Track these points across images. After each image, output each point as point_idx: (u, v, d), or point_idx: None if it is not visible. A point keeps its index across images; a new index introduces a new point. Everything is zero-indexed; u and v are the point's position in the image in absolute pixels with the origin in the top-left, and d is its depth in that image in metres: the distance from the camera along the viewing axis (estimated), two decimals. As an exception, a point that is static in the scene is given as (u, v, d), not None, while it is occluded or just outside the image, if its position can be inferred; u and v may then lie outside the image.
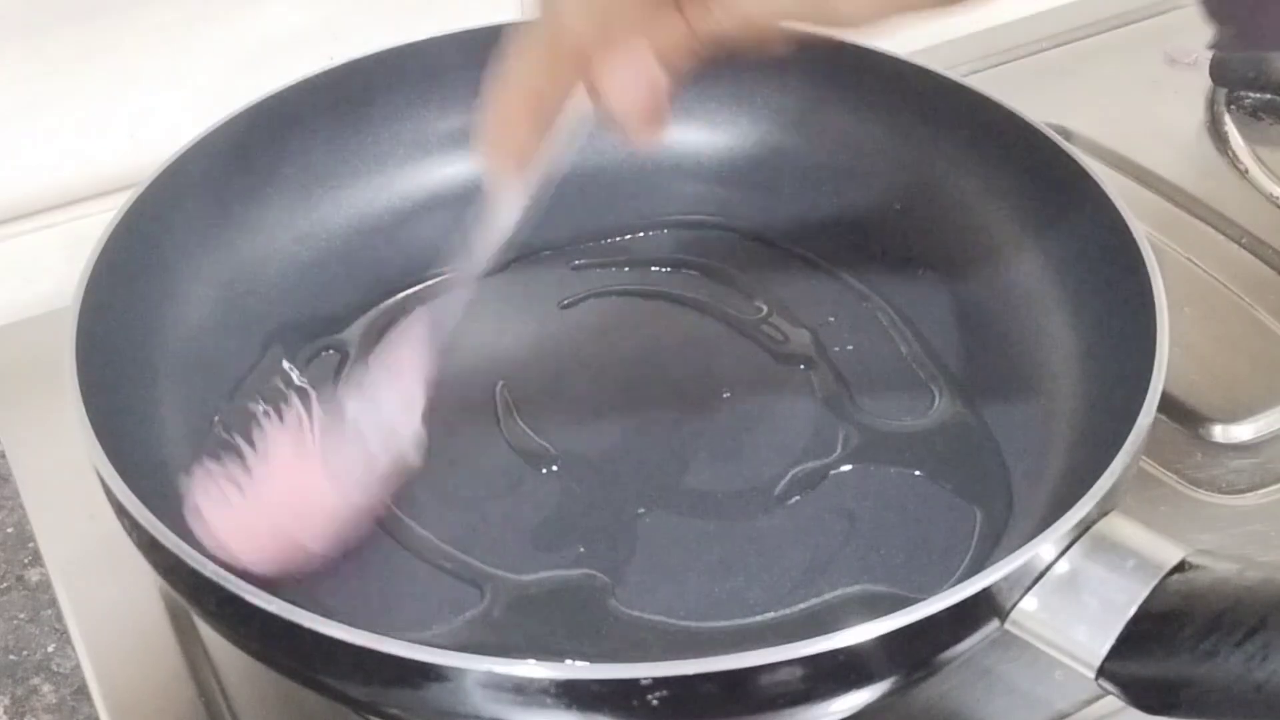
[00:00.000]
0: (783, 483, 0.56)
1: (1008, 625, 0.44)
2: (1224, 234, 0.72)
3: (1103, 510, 0.45)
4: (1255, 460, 0.61)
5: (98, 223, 0.57)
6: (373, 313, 0.64)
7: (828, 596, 0.52)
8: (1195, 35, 0.84)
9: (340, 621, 0.42)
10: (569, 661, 0.49)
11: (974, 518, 0.54)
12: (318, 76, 0.65)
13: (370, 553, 0.53)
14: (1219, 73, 0.81)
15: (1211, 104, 0.81)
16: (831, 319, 0.64)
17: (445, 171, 0.69)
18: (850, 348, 0.62)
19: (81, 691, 0.55)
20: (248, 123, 0.63)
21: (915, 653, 0.44)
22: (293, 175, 0.66)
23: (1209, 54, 0.81)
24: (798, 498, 0.55)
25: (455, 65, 0.69)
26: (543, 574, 0.52)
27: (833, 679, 0.42)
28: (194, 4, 0.69)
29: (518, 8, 0.77)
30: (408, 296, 0.65)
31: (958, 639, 0.44)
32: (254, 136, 0.64)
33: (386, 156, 0.68)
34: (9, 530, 0.62)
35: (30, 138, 0.69)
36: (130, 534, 0.47)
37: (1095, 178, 0.59)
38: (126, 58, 0.69)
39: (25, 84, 0.68)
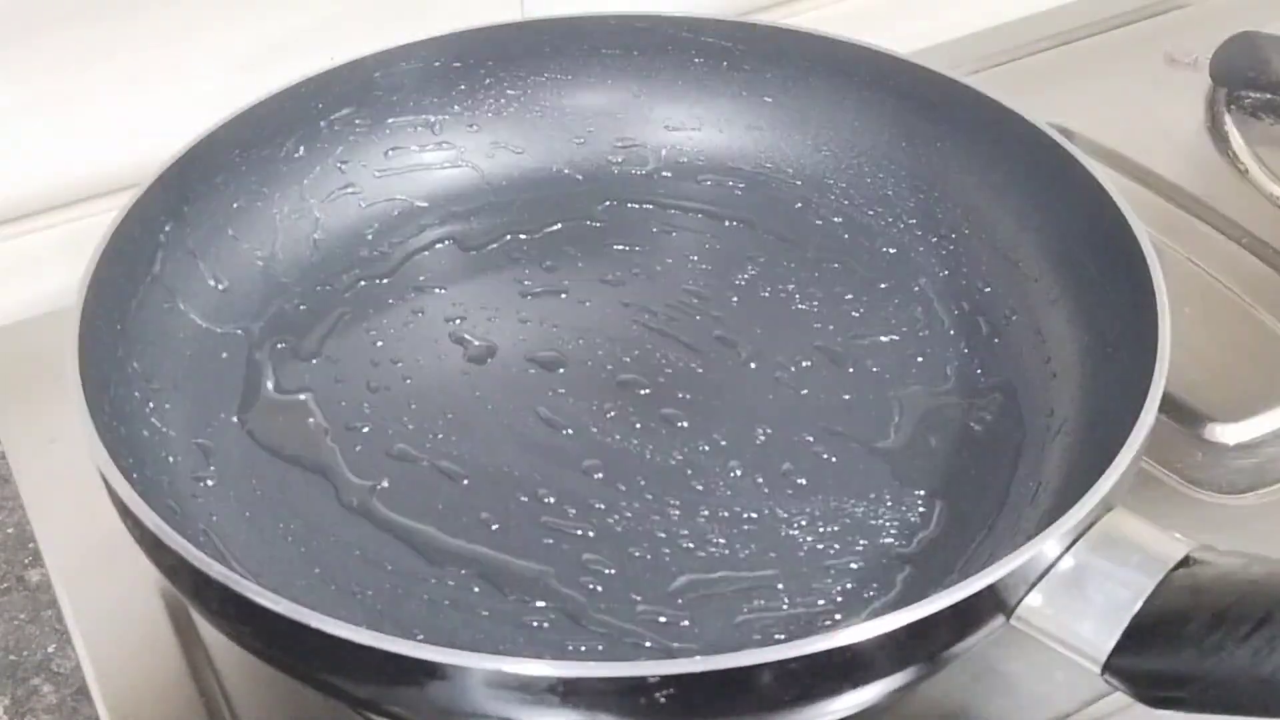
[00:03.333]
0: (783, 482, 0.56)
1: (1013, 621, 0.44)
2: (1224, 234, 0.72)
3: (1106, 507, 0.45)
4: (1255, 460, 0.61)
5: (98, 223, 0.57)
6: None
7: (837, 590, 0.52)
8: (1195, 35, 0.85)
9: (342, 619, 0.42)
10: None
11: (976, 515, 0.54)
12: (318, 76, 0.65)
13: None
14: (1219, 73, 0.81)
15: (1211, 104, 0.81)
16: (831, 320, 0.64)
17: (447, 171, 0.69)
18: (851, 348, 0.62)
19: (82, 692, 0.55)
20: (248, 122, 0.63)
21: (921, 649, 0.44)
22: (293, 175, 0.66)
23: (1209, 54, 0.81)
24: (790, 492, 0.56)
25: (455, 65, 0.69)
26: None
27: (839, 676, 0.42)
28: (194, 4, 0.69)
29: (518, 8, 0.77)
30: (408, 297, 0.65)
31: (963, 635, 0.44)
32: (255, 136, 0.64)
33: (387, 156, 0.68)
34: (9, 530, 0.62)
35: (30, 138, 0.69)
36: (133, 534, 0.47)
37: (1096, 178, 0.59)
38: (126, 58, 0.69)
39: (25, 84, 0.67)
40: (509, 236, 0.68)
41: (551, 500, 0.55)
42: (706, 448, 0.58)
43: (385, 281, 0.66)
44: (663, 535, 0.54)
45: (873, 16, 0.86)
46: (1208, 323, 0.67)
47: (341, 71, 0.66)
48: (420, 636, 0.49)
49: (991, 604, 0.44)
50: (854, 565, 0.53)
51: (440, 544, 0.54)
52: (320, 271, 0.66)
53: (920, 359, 0.62)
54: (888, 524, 0.54)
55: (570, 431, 0.58)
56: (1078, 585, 0.44)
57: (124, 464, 0.48)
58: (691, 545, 0.54)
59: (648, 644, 0.50)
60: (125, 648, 0.55)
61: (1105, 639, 0.43)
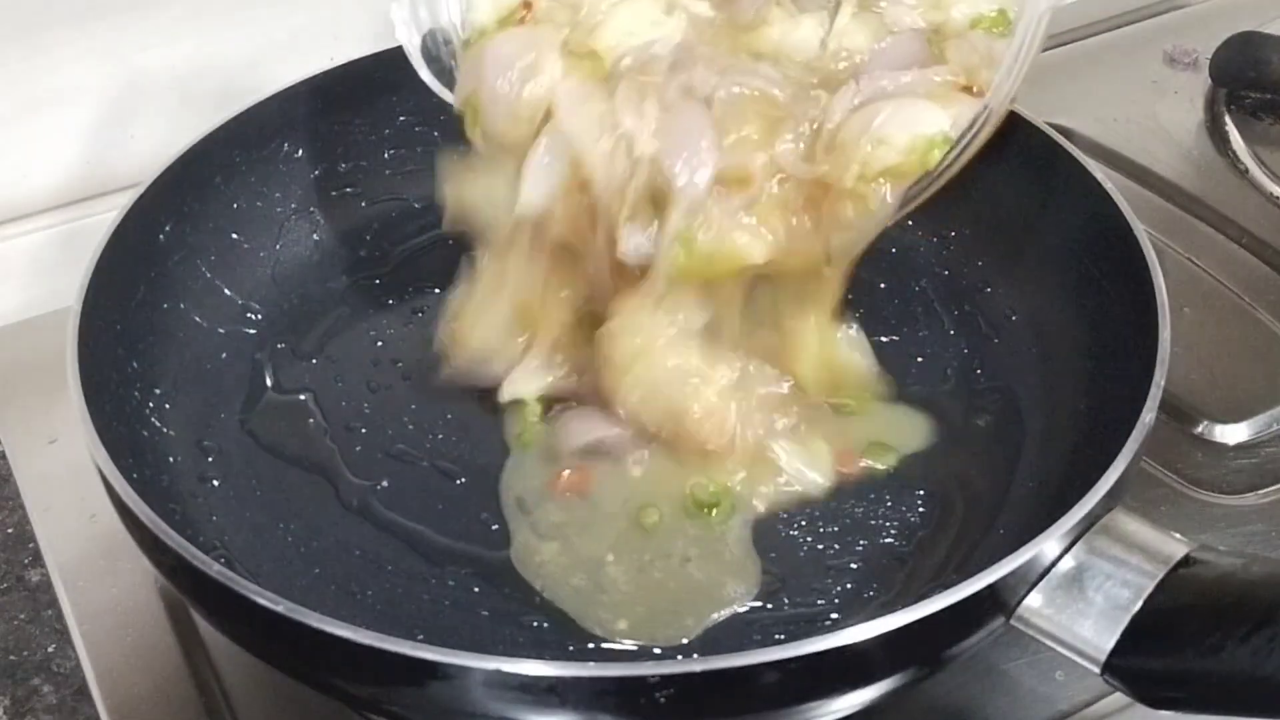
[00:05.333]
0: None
1: (1013, 621, 0.44)
2: (1224, 234, 0.72)
3: (1106, 507, 0.45)
4: (1255, 460, 0.61)
5: (98, 223, 0.57)
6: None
7: (837, 590, 0.52)
8: (1195, 35, 0.85)
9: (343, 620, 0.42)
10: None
11: (976, 515, 0.54)
12: (318, 76, 0.65)
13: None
14: (1219, 73, 0.81)
15: (1211, 104, 0.81)
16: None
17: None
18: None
19: (81, 691, 0.55)
20: (248, 122, 0.63)
21: (921, 649, 0.44)
22: (293, 175, 0.66)
23: (1209, 54, 0.81)
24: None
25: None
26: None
27: (839, 676, 0.42)
28: (195, 4, 0.69)
29: (517, 8, 0.77)
30: (408, 297, 0.65)
31: (963, 635, 0.44)
32: (255, 136, 0.64)
33: (387, 156, 0.68)
34: (9, 530, 0.62)
35: (30, 138, 0.69)
36: (133, 534, 0.47)
37: (1096, 178, 0.59)
38: (127, 58, 0.69)
39: (25, 84, 0.68)
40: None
41: (551, 500, 0.55)
42: (707, 447, 0.58)
43: (385, 281, 0.66)
44: (663, 535, 0.54)
45: (873, 16, 0.86)
46: (1208, 323, 0.67)
47: (341, 71, 0.66)
48: (420, 636, 0.49)
49: (991, 604, 0.44)
50: (854, 565, 0.53)
51: (440, 544, 0.54)
52: (320, 271, 0.66)
53: (920, 359, 0.62)
54: (888, 524, 0.54)
55: (570, 431, 0.58)
56: (1078, 585, 0.44)
57: (124, 464, 0.48)
58: (691, 545, 0.54)
59: (647, 644, 0.50)
60: (125, 648, 0.55)
61: (1105, 639, 0.43)
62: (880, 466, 0.56)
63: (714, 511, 0.53)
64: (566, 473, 0.55)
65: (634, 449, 0.55)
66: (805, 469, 0.55)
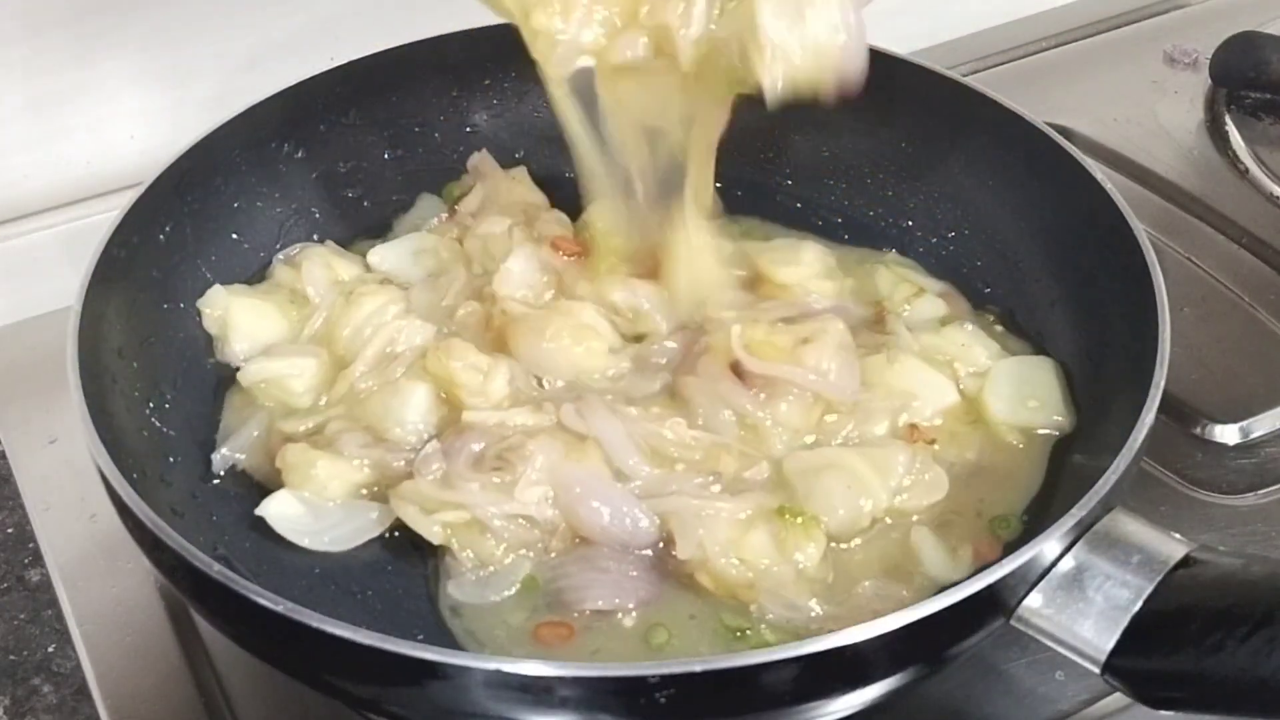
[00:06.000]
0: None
1: (1013, 622, 0.44)
2: (1224, 234, 0.72)
3: (1106, 507, 0.45)
4: (1255, 460, 0.61)
5: (98, 223, 0.57)
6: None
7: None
8: (1195, 35, 0.85)
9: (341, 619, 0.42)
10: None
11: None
12: (318, 76, 0.65)
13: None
14: (1219, 73, 0.81)
15: (1211, 104, 0.81)
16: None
17: (447, 172, 0.69)
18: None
19: (81, 691, 0.55)
20: (248, 123, 0.63)
21: (922, 649, 0.44)
22: (293, 175, 0.66)
23: (1209, 54, 0.81)
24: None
25: (455, 65, 0.69)
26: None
27: (842, 675, 0.42)
28: (194, 4, 0.69)
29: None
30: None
31: (964, 635, 0.44)
32: (255, 137, 0.64)
33: (387, 156, 0.68)
34: (9, 530, 0.62)
35: (30, 138, 0.69)
36: (133, 534, 0.47)
37: (1096, 178, 0.59)
38: (126, 58, 0.69)
39: (25, 84, 0.68)
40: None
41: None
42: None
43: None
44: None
45: (873, 16, 0.86)
46: (1208, 323, 0.67)
47: (341, 71, 0.66)
48: (420, 636, 0.49)
49: (991, 604, 0.44)
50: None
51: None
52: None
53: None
54: (889, 524, 0.54)
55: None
56: (1078, 585, 0.44)
57: (124, 464, 0.48)
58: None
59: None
60: (125, 648, 0.55)
61: (1105, 639, 0.43)
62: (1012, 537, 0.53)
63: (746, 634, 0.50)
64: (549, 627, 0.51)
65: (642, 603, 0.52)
66: (947, 569, 0.52)
